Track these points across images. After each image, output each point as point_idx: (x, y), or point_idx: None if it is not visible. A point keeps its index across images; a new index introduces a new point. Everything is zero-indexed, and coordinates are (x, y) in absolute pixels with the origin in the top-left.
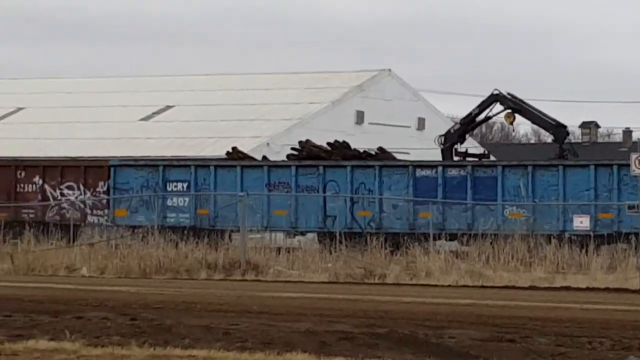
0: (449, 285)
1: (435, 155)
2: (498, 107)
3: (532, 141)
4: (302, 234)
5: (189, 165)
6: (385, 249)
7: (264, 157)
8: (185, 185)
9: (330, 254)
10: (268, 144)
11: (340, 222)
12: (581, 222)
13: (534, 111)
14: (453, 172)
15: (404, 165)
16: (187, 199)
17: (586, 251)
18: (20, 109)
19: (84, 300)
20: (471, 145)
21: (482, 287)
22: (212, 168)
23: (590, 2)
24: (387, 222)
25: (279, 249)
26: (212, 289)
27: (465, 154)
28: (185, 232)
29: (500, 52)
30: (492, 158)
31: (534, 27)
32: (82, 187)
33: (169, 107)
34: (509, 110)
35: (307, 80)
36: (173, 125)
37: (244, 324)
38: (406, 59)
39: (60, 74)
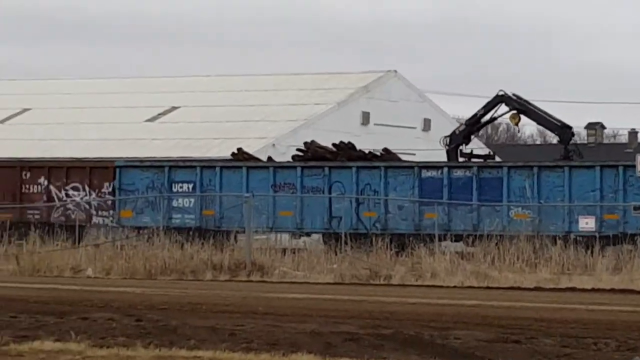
0: (455, 286)
1: (441, 156)
2: (503, 108)
3: (538, 142)
4: (308, 234)
5: (194, 166)
6: (391, 250)
7: (269, 158)
8: (190, 186)
9: (336, 254)
10: (274, 144)
11: (346, 223)
12: (587, 223)
13: (539, 112)
14: (459, 173)
15: (410, 166)
16: (192, 200)
17: (592, 252)
18: (26, 109)
19: (89, 301)
20: (477, 146)
21: (488, 288)
22: (217, 169)
23: (590, 2)
24: (393, 223)
25: (284, 250)
26: (217, 290)
27: (471, 155)
28: (191, 233)
29: (500, 52)
30: (497, 159)
31: (534, 27)
32: (87, 188)
33: (174, 108)
34: (514, 111)
35: (313, 81)
36: (178, 126)
37: (250, 325)
38: (406, 59)
39: (60, 74)
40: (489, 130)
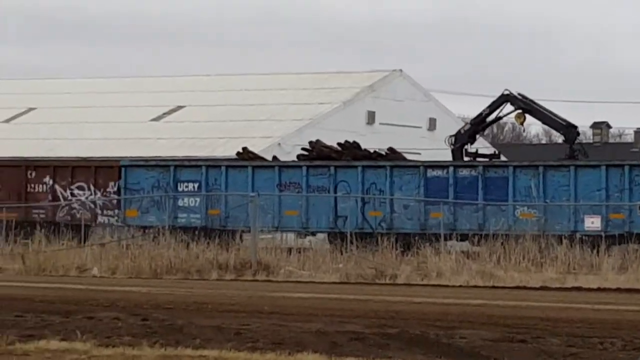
0: (460, 286)
1: (447, 155)
2: (508, 107)
3: (544, 141)
4: (313, 234)
5: (200, 166)
6: (396, 249)
7: (274, 158)
8: (196, 185)
9: (341, 254)
10: (279, 144)
11: (351, 222)
12: (592, 223)
13: (544, 111)
14: (464, 172)
15: (415, 166)
16: (198, 199)
17: (597, 252)
18: (31, 109)
19: (95, 301)
20: (482, 145)
21: (493, 287)
22: (223, 168)
23: (590, 2)
24: (398, 223)
25: (289, 250)
26: (223, 289)
27: (476, 154)
28: (196, 232)
29: (500, 52)
30: (502, 158)
31: (534, 27)
32: (92, 188)
33: (179, 107)
34: (520, 111)
35: (318, 81)
36: (184, 126)
37: (255, 324)
38: (406, 59)
39: (60, 74)
40: (495, 130)
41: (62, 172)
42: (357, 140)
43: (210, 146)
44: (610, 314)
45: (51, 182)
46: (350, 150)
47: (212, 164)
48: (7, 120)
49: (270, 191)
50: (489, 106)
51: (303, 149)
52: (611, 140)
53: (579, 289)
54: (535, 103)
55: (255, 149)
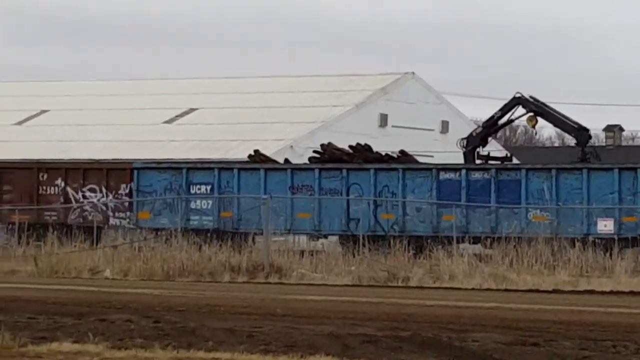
0: (473, 289)
1: (459, 158)
2: (520, 110)
3: (556, 144)
4: (325, 236)
5: (212, 168)
6: (409, 252)
7: (286, 160)
8: (208, 187)
9: (354, 257)
10: (291, 146)
11: (364, 225)
12: (605, 226)
13: (556, 114)
14: (477, 175)
15: (428, 169)
16: (210, 202)
17: (610, 254)
18: (43, 111)
19: (107, 303)
20: (494, 148)
21: (506, 290)
22: (235, 171)
23: (590, 2)
24: (411, 225)
25: (302, 252)
26: (235, 291)
27: (488, 157)
28: (209, 234)
29: (500, 52)
30: (515, 161)
31: (534, 27)
32: (104, 190)
33: (192, 109)
34: (531, 114)
35: (331, 83)
36: (196, 128)
37: (268, 327)
38: (406, 59)
39: (61, 74)
40: (507, 132)
41: (74, 174)
42: (369, 143)
43: (223, 148)
44: (623, 317)
45: (63, 184)
46: (362, 153)
47: (224, 167)
48: (20, 123)
49: (282, 194)
50: (501, 109)
51: (315, 151)
52: (624, 143)
53: (591, 292)
54: (546, 106)
55: (267, 151)
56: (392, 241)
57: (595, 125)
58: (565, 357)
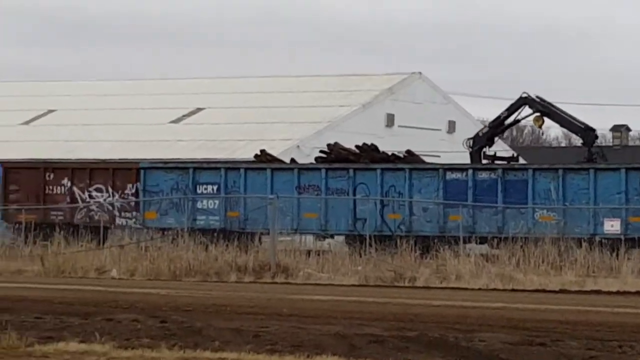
0: (479, 289)
1: (466, 158)
2: (527, 110)
3: (563, 144)
4: (332, 236)
5: (219, 168)
6: (415, 252)
7: (293, 160)
8: (215, 187)
9: (360, 256)
10: (298, 146)
11: (370, 225)
12: (612, 226)
13: (562, 114)
14: (483, 175)
15: (434, 168)
16: (217, 202)
17: (617, 255)
18: (50, 111)
19: (114, 302)
20: (501, 148)
21: (513, 290)
22: (242, 170)
23: (590, 2)
24: (417, 225)
25: (308, 252)
26: (242, 291)
27: (494, 157)
28: (215, 234)
29: (501, 53)
30: (521, 161)
31: (534, 27)
32: (110, 190)
33: (199, 109)
34: (538, 114)
35: (338, 83)
36: (203, 128)
37: (274, 327)
38: (407, 59)
39: (61, 74)
40: (514, 133)
41: (80, 174)
42: (376, 143)
43: (230, 148)
44: (630, 318)
45: (69, 184)
46: (368, 153)
47: (231, 166)
48: (27, 122)
49: (289, 193)
50: (507, 109)
51: (321, 151)
52: (631, 143)
53: (598, 292)
54: (553, 106)
55: (274, 151)
56: (398, 241)
57: (603, 125)
58: (571, 357)
